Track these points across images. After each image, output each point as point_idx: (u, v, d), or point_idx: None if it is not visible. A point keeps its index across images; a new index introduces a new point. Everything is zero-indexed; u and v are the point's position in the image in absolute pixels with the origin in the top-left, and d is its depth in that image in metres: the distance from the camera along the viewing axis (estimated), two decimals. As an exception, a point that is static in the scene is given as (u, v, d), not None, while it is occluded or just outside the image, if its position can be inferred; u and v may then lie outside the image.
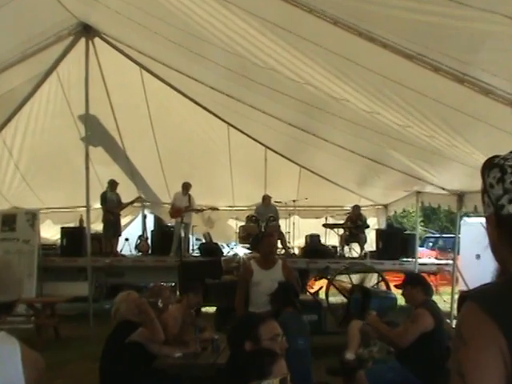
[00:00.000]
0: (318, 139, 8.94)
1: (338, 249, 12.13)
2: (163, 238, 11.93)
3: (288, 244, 12.10)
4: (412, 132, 5.77)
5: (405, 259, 11.40)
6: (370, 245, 12.40)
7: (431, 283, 8.03)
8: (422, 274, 7.46)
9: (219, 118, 10.89)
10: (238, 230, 12.53)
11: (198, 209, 11.79)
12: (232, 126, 11.14)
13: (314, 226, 12.76)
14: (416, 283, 4.76)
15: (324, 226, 12.34)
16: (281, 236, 11.51)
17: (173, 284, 10.43)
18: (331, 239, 12.44)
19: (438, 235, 21.83)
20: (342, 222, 12.39)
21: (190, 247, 12.40)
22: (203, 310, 7.88)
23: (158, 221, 13.54)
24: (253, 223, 11.78)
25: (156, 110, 10.88)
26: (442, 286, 12.26)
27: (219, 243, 12.38)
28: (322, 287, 8.44)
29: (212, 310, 8.71)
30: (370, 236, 12.50)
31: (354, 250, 12.26)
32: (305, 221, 13.10)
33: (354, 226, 11.98)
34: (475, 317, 1.11)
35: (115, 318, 4.32)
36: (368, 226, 12.34)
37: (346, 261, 10.70)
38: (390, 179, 10.40)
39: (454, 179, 7.61)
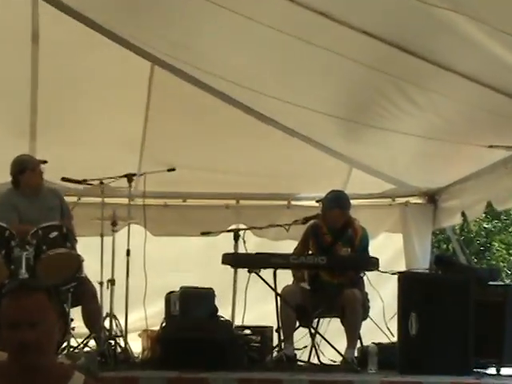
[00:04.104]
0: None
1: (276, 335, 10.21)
2: None
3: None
4: None
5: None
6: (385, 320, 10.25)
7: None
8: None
9: None
10: None
11: None
12: None
13: (189, 253, 12.31)
14: None
15: (224, 258, 10.46)
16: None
17: None
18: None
19: None
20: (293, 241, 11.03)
21: None
22: None
23: None
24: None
25: None
26: None
27: None
28: None
29: None
30: (385, 297, 10.50)
31: (330, 345, 10.06)
32: (156, 241, 12.04)
33: (324, 260, 9.98)
34: None
35: None
36: (376, 264, 10.03)
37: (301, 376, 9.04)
38: (447, 102, 9.25)
39: None
